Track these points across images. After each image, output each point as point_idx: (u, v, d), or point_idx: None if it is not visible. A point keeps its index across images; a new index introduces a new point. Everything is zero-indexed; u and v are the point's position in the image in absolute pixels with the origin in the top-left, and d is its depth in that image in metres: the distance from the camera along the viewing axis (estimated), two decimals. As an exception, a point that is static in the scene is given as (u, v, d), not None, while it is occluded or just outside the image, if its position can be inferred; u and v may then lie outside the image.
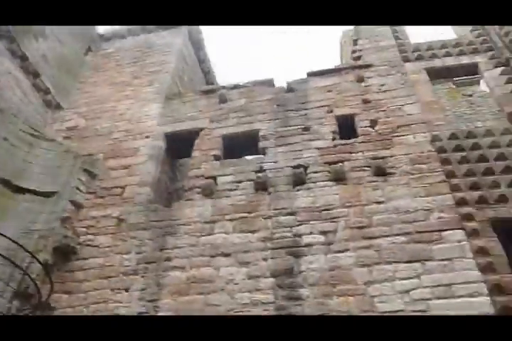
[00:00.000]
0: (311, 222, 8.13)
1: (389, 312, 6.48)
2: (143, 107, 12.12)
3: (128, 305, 7.86)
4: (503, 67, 10.10)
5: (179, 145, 10.92)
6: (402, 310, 6.45)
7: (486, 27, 11.32)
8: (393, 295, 6.66)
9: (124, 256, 8.61)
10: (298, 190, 8.84)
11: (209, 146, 10.43)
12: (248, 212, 8.68)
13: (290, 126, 10.39)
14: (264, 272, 7.52)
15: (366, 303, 6.70)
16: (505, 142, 8.41)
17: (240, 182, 9.38)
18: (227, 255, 8.01)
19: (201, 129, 10.96)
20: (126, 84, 13.23)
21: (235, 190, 9.27)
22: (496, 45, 10.80)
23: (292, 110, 10.82)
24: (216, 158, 10.13)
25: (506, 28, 10.79)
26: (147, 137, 11.11)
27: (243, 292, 7.36)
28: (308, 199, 8.58)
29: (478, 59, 10.60)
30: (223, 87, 12.17)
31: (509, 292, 6.32)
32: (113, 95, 12.91)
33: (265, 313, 6.95)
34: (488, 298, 6.29)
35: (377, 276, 6.98)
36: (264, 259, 7.75)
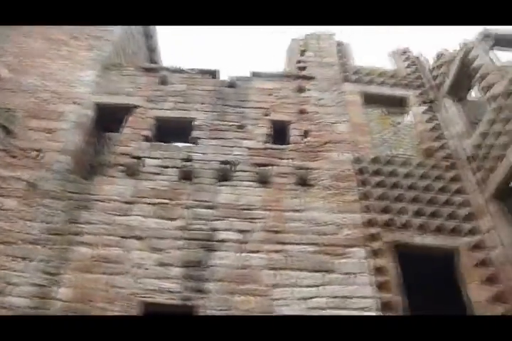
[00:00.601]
0: (229, 219, 8.35)
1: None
2: (77, 71, 11.51)
3: (23, 274, 7.51)
4: (427, 106, 11.06)
5: (110, 119, 10.56)
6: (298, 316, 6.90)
7: (421, 66, 12.28)
8: (293, 301, 7.10)
9: (29, 223, 8.19)
10: (221, 186, 9.01)
11: (141, 126, 10.23)
12: (169, 199, 8.69)
13: (226, 121, 10.51)
14: (175, 261, 7.61)
15: (266, 305, 7.07)
16: (418, 174, 9.27)
17: (165, 167, 9.34)
18: (140, 238, 7.96)
19: (136, 107, 10.70)
20: (64, 43, 12.45)
21: (159, 174, 9.21)
22: (425, 84, 11.76)
23: (231, 106, 10.94)
24: (146, 138, 9.97)
25: (436, 71, 11.78)
26: (76, 103, 10.60)
27: (150, 278, 7.38)
28: (230, 196, 8.79)
29: (409, 93, 11.49)
30: (166, 69, 11.95)
31: (394, 310, 7.04)
32: (46, 51, 12.09)
33: (169, 302, 7.06)
34: (378, 313, 6.94)
35: (282, 281, 7.38)
36: (178, 248, 7.83)
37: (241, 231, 8.14)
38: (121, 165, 9.24)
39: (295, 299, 7.11)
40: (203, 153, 9.70)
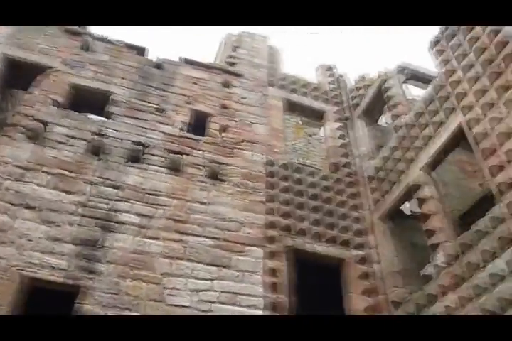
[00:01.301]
0: (132, 201, 8.08)
1: (175, 305, 6.84)
2: (-9, 17, 10.37)
3: None
4: (341, 123, 11.68)
5: (18, 75, 9.64)
6: (187, 307, 6.87)
7: (342, 85, 12.93)
8: (184, 292, 7.06)
9: None
10: (130, 166, 8.68)
11: (52, 89, 9.48)
12: (70, 171, 8.16)
13: (145, 102, 10.16)
14: (67, 237, 7.17)
15: (157, 293, 6.95)
16: (322, 185, 9.75)
17: (73, 137, 8.76)
18: (31, 208, 7.37)
19: (50, 68, 9.91)
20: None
21: (64, 143, 8.61)
22: (344, 102, 12.41)
23: (153, 87, 10.61)
24: (56, 104, 9.26)
25: (355, 92, 12.48)
26: (-16, 52, 9.54)
27: (35, 251, 6.87)
28: (137, 179, 8.50)
29: (327, 108, 12.04)
30: (91, 35, 11.23)
31: (280, 311, 7.33)
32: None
33: (53, 279, 6.61)
34: (262, 312, 7.16)
35: (177, 270, 7.31)
36: (71, 224, 7.38)
37: (142, 216, 7.91)
38: (23, 126, 8.49)
39: (188, 290, 7.08)
40: (116, 130, 9.27)
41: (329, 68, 13.28)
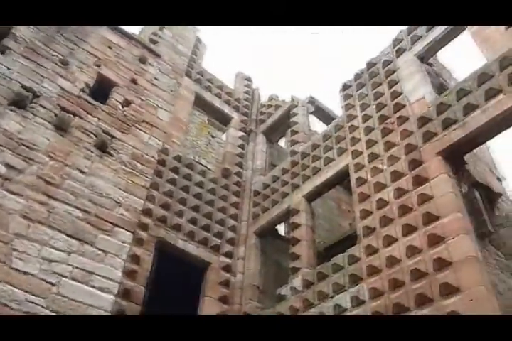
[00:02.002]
0: (2, 148, 7.03)
1: (19, 271, 6.00)
2: None
3: None
4: (244, 133, 11.71)
5: None
6: (33, 275, 6.08)
7: (255, 98, 13.03)
8: (35, 258, 6.25)
9: None
10: (12, 111, 7.61)
11: None
12: None
13: (50, 49, 9.15)
14: None
15: (2, 253, 6.03)
16: (208, 187, 9.57)
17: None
18: None
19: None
20: None
21: None
22: (252, 114, 12.47)
23: (64, 36, 9.62)
24: None
25: (265, 109, 12.67)
26: None
27: None
28: (15, 126, 7.47)
29: (234, 115, 12.00)
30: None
31: (133, 300, 6.89)
32: None
33: None
34: (114, 298, 6.62)
35: (32, 234, 6.46)
36: None
37: (10, 167, 6.92)
38: None
39: (39, 257, 6.29)
40: (8, 68, 8.13)
41: (248, 78, 13.36)
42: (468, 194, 7.85)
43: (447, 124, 6.96)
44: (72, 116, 8.38)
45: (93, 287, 6.54)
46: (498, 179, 10.17)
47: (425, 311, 5.50)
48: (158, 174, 8.89)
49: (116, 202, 7.78)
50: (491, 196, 8.69)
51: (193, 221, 8.77)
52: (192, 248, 8.44)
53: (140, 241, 7.63)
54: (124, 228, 7.52)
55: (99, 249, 6.98)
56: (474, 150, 8.98)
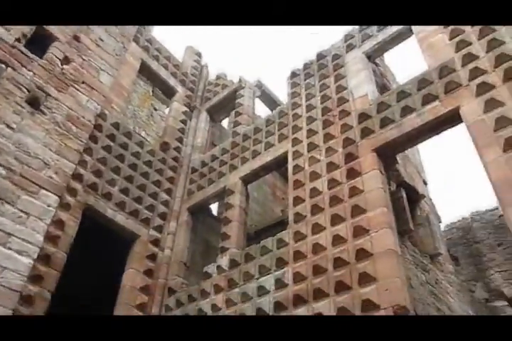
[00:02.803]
0: None
1: None
2: None
3: None
4: (188, 109, 11.49)
5: None
6: None
7: (202, 74, 12.80)
8: None
9: None
10: None
11: None
12: None
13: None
14: None
15: None
16: (145, 159, 9.36)
17: None
18: None
19: None
20: None
21: None
22: (197, 91, 12.24)
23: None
24: None
25: (211, 87, 12.47)
26: None
27: None
28: None
29: (180, 89, 11.72)
30: None
31: (51, 266, 6.69)
32: None
33: None
34: (32, 262, 6.34)
35: None
36: None
37: None
38: None
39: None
40: None
41: (198, 53, 13.06)
42: (395, 192, 8.25)
43: (385, 123, 7.20)
44: (4, 66, 7.79)
45: (11, 249, 6.20)
46: (424, 182, 10.78)
47: (342, 298, 5.73)
48: (93, 139, 8.53)
49: (45, 163, 7.38)
50: (415, 197, 9.20)
51: (125, 191, 8.53)
52: (121, 219, 8.22)
53: (67, 206, 7.32)
54: (50, 191, 7.16)
55: (21, 211, 6.61)
56: (406, 152, 9.44)
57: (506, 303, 12.26)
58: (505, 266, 13.53)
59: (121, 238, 8.32)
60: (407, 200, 8.52)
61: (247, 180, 9.13)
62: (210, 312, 7.19)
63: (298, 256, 6.65)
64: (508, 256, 13.67)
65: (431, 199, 11.41)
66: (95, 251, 8.74)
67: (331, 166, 7.39)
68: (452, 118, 6.53)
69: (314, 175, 7.54)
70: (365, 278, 5.69)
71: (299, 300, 6.15)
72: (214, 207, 10.94)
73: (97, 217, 7.92)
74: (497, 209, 14.85)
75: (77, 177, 7.79)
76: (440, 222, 12.17)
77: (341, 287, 5.84)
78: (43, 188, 7.08)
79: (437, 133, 7.00)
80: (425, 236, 10.66)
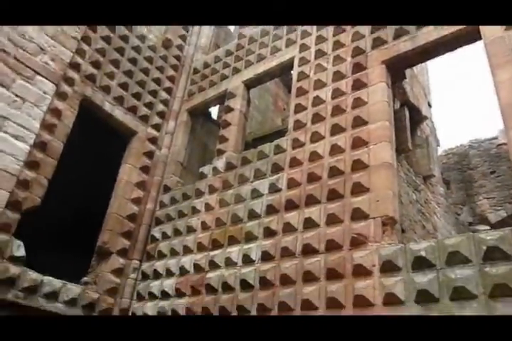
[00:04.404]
0: None
1: None
2: None
3: None
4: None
5: None
6: None
7: None
8: None
9: None
10: None
11: None
12: None
13: None
14: None
15: None
16: (146, 54, 8.97)
17: None
18: None
19: None
20: None
21: None
22: None
23: None
24: None
25: None
26: None
27: None
28: None
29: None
30: None
31: (48, 153, 6.70)
32: None
33: None
34: (29, 148, 6.36)
35: None
36: None
37: None
38: None
39: None
40: None
41: None
42: (399, 111, 8.10)
43: (399, 34, 6.81)
44: None
45: (6, 133, 6.16)
46: (429, 104, 10.56)
47: (333, 205, 5.84)
48: (92, 28, 8.08)
49: (41, 48, 7.05)
50: (418, 118, 9.07)
51: (123, 86, 8.30)
52: (119, 113, 8.10)
53: (63, 95, 7.14)
54: (46, 78, 6.93)
55: (17, 95, 6.44)
56: (415, 72, 9.08)
57: (489, 228, 12.73)
58: (494, 194, 13.83)
59: (118, 133, 8.27)
60: (409, 120, 8.41)
61: (249, 85, 8.86)
62: (203, 210, 7.39)
63: (294, 162, 6.66)
64: (498, 184, 13.91)
65: (433, 122, 11.28)
66: (93, 145, 8.73)
67: (337, 75, 7.12)
68: (471, 34, 6.15)
69: (319, 84, 7.30)
70: (358, 188, 5.75)
71: (291, 204, 6.28)
72: (214, 113, 10.79)
73: (94, 110, 7.78)
74: (496, 138, 14.80)
75: (74, 66, 7.51)
76: (438, 145, 12.17)
77: (334, 195, 5.92)
78: (39, 74, 6.84)
79: (452, 50, 6.65)
80: (421, 158, 10.70)
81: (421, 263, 4.77)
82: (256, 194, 6.85)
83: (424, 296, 4.57)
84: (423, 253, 4.79)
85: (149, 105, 8.74)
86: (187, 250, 7.23)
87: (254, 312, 5.81)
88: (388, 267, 4.96)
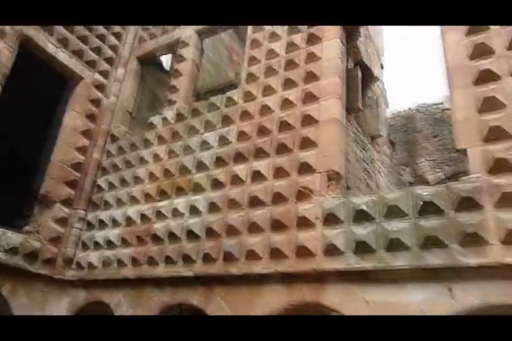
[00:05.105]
0: None
1: None
2: None
3: None
4: None
5: None
6: None
7: None
8: None
9: None
10: None
11: None
12: None
13: None
14: None
15: None
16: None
17: None
18: None
19: None
20: None
21: None
22: None
23: None
24: None
25: None
26: None
27: None
28: None
29: None
30: None
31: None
32: None
33: None
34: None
35: None
36: None
37: None
38: None
39: None
40: None
41: None
42: (352, 70, 8.12)
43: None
44: None
45: None
46: (381, 66, 10.67)
47: (282, 159, 5.90)
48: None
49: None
50: (370, 78, 9.16)
51: (69, 27, 7.78)
52: (64, 57, 7.63)
53: (1, 33, 6.61)
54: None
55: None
56: (370, 33, 9.07)
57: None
58: (435, 156, 14.43)
59: (63, 78, 7.83)
60: (362, 80, 8.48)
61: (203, 35, 8.56)
62: (151, 161, 7.29)
63: (245, 115, 6.62)
64: (439, 147, 14.49)
65: (383, 84, 11.45)
66: (36, 88, 8.24)
67: (293, 29, 6.99)
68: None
69: (274, 36, 7.15)
70: (307, 143, 5.81)
71: (239, 157, 6.30)
72: (167, 64, 10.37)
73: (37, 52, 7.29)
74: (442, 103, 15.27)
75: (12, 1, 6.93)
76: (387, 107, 12.43)
77: (282, 149, 5.97)
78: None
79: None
80: (370, 118, 10.93)
81: (361, 216, 4.98)
82: (205, 145, 6.80)
83: (362, 247, 4.80)
84: (364, 207, 4.99)
85: (97, 50, 8.29)
86: (134, 200, 7.18)
87: (199, 262, 5.92)
88: (330, 219, 5.14)
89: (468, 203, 4.42)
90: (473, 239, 4.26)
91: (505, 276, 4.03)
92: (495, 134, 4.58)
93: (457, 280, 4.23)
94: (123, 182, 7.53)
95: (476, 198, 4.39)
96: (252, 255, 5.50)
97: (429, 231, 4.49)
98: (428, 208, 4.62)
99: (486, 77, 4.87)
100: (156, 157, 7.27)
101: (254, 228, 5.64)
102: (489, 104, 4.74)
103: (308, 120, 5.97)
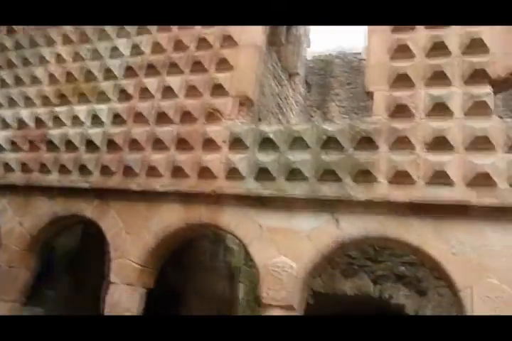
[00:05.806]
0: None
1: None
2: None
3: None
4: None
5: None
6: None
7: None
8: None
9: None
10: None
11: None
12: None
13: None
14: None
15: None
16: None
17: None
18: None
19: None
20: None
21: None
22: None
23: None
24: None
25: None
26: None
27: None
28: None
29: None
30: None
31: None
32: None
33: None
34: None
35: None
36: None
37: None
38: None
39: None
40: None
41: None
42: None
43: None
44: None
45: None
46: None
47: (195, 78, 5.66)
48: None
49: None
50: (297, 13, 8.89)
51: None
52: None
53: None
54: None
55: None
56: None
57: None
58: (345, 103, 14.91)
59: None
60: (288, 15, 8.23)
61: None
62: (52, 62, 6.62)
63: (162, 28, 6.14)
64: (350, 95, 14.96)
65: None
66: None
67: None
68: None
69: None
70: (224, 65, 5.60)
71: (152, 70, 5.91)
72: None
73: None
74: (360, 53, 15.56)
75: None
76: (309, 46, 12.39)
77: (198, 67, 5.70)
78: None
79: None
80: (291, 55, 10.85)
81: (267, 144, 5.04)
82: (116, 53, 6.25)
83: (263, 174, 4.91)
84: (271, 135, 5.04)
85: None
86: (28, 102, 6.54)
87: (97, 174, 5.69)
88: (237, 144, 5.15)
89: (366, 143, 4.65)
90: (365, 176, 4.53)
91: (386, 213, 4.38)
92: (401, 81, 4.76)
93: (345, 213, 4.54)
94: (18, 80, 6.78)
95: (374, 138, 4.62)
96: (153, 171, 5.39)
97: (328, 165, 4.69)
98: (330, 143, 4.79)
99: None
100: (59, 58, 6.60)
101: (158, 144, 5.49)
102: (401, 52, 4.87)
103: (228, 41, 5.72)
